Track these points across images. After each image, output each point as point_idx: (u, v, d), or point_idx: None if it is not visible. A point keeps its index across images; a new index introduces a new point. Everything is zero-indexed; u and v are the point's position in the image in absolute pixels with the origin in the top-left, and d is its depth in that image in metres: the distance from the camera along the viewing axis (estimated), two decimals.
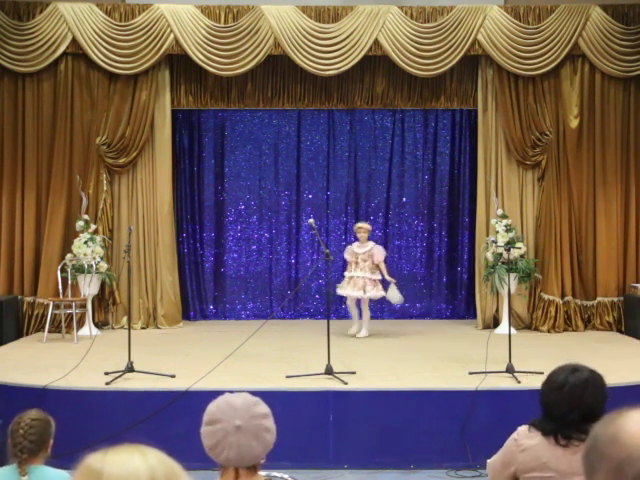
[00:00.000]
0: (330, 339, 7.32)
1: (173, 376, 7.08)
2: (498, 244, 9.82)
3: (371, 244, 9.65)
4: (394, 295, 9.67)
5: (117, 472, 1.30)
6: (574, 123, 10.42)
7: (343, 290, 9.62)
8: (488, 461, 3.32)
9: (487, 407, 6.69)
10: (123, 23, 10.22)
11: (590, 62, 10.36)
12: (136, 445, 1.37)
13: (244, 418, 2.18)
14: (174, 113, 10.88)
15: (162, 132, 10.57)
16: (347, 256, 9.74)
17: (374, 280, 9.52)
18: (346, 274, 9.66)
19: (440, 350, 8.66)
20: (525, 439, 3.11)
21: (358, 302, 9.69)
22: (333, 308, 10.31)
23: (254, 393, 2.31)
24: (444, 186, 11.53)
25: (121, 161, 10.41)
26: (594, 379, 3.08)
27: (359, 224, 9.82)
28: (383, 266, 9.63)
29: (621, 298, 10.40)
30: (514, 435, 3.17)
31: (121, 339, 7.99)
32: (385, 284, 9.66)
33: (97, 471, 1.31)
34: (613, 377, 6.93)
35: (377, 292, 9.52)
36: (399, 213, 11.56)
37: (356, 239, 9.82)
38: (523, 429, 3.16)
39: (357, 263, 9.54)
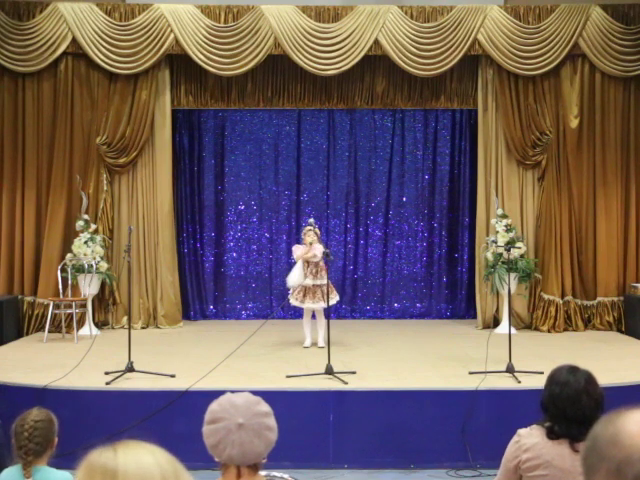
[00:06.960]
0: (330, 339, 7.32)
1: (173, 376, 7.08)
2: (498, 244, 9.82)
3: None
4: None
5: (132, 470, 1.28)
6: (574, 123, 10.42)
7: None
8: None
9: (487, 407, 6.69)
10: (123, 23, 10.22)
11: (590, 62, 10.36)
12: (140, 442, 1.36)
13: (246, 416, 2.19)
14: (174, 113, 10.88)
15: (162, 132, 10.57)
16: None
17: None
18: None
19: (440, 350, 8.66)
20: (527, 438, 3.11)
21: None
22: (333, 308, 10.29)
23: (254, 393, 2.31)
24: (444, 186, 11.53)
25: (121, 161, 10.41)
26: (591, 380, 3.09)
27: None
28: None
29: (621, 298, 10.40)
30: (514, 437, 3.16)
31: (121, 339, 7.99)
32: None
33: (111, 470, 1.29)
34: (613, 377, 6.95)
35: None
36: (399, 213, 11.56)
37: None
38: (523, 430, 3.16)
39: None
